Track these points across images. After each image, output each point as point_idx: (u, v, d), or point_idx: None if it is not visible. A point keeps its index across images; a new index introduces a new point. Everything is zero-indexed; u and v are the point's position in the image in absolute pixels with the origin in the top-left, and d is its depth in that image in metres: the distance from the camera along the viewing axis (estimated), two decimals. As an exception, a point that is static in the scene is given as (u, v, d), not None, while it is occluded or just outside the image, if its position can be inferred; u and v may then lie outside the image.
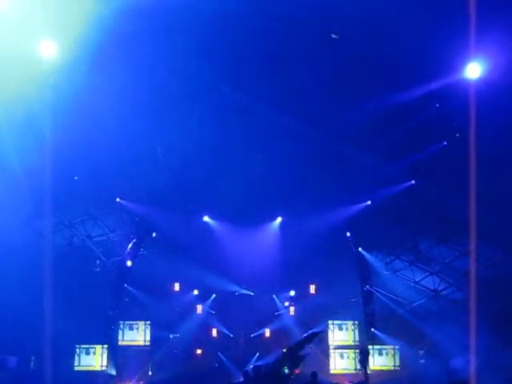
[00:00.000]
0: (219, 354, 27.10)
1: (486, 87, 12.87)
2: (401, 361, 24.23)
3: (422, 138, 16.65)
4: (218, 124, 16.35)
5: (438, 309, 24.70)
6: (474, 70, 13.22)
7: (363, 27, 12.80)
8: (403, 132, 16.11)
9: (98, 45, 11.44)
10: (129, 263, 23.38)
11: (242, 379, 15.57)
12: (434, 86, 14.01)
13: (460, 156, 13.77)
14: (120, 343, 24.85)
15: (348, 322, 25.55)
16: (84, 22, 11.02)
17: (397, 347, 24.34)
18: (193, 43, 12.63)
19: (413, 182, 18.63)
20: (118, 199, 20.68)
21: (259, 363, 20.65)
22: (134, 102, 15.10)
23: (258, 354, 26.76)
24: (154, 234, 23.84)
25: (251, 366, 22.13)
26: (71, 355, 23.51)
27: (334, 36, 12.50)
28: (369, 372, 23.80)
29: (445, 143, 16.58)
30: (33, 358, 21.42)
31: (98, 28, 11.08)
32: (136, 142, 17.38)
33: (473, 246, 15.56)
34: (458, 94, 13.55)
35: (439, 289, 24.07)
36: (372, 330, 24.41)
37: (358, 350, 23.61)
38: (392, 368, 23.99)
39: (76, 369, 23.42)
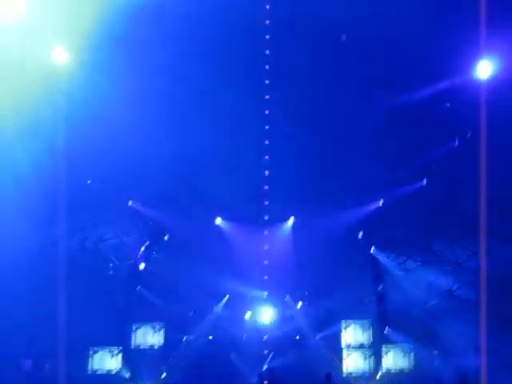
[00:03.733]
0: (232, 355, 27.13)
1: (497, 86, 12.80)
2: (415, 361, 24.13)
3: (433, 138, 16.60)
4: (228, 126, 16.38)
5: (452, 308, 24.57)
6: (484, 70, 13.15)
7: (373, 27, 12.80)
8: (415, 132, 16.06)
9: (109, 51, 11.51)
10: (142, 266, 23.47)
11: (256, 380, 15.61)
12: (445, 85, 13.96)
13: (471, 155, 13.70)
14: (133, 345, 24.94)
15: (361, 323, 25.49)
16: (95, 29, 11.08)
17: (411, 347, 24.25)
18: (201, 49, 12.70)
19: (424, 181, 18.54)
20: (130, 202, 20.75)
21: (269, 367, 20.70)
22: (144, 106, 15.18)
23: (271, 355, 26.77)
24: (166, 237, 23.89)
25: (264, 369, 22.22)
26: (85, 358, 23.64)
27: (343, 37, 12.49)
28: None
29: (456, 143, 16.50)
30: (47, 361, 21.51)
31: (108, 35, 11.14)
32: (146, 145, 17.47)
33: (483, 245, 15.55)
34: (468, 93, 13.48)
35: (453, 288, 23.95)
36: (385, 329, 24.34)
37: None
38: (406, 368, 23.90)
39: (90, 371, 23.55)
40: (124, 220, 22.71)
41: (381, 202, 20.63)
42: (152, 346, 25.03)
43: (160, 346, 25.04)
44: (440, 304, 24.99)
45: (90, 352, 23.76)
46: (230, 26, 12.18)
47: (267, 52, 13.32)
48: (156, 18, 11.05)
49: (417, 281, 24.94)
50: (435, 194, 18.43)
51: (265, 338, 27.24)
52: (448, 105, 14.89)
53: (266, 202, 21.64)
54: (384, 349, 24.35)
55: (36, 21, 11.42)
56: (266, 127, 16.33)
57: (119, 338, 24.11)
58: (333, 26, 12.98)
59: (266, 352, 27.01)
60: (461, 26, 11.86)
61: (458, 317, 23.65)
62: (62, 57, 12.38)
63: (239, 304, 26.97)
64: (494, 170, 12.00)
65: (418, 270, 24.33)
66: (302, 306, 27.52)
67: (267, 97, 15.14)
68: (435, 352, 25.09)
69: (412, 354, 24.21)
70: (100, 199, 19.62)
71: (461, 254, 21.70)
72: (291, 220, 22.76)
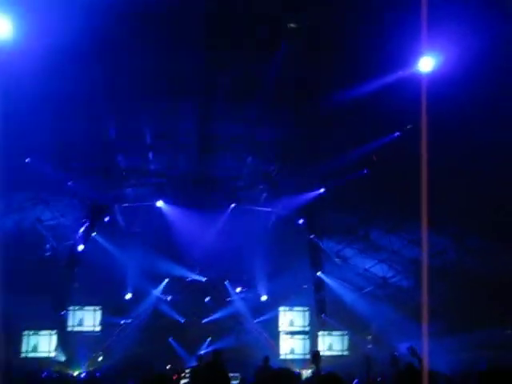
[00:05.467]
0: (170, 339, 27.16)
1: (438, 80, 13.18)
2: (349, 346, 24.85)
3: (375, 129, 16.96)
4: (170, 106, 16.31)
5: (386, 295, 25.40)
6: (426, 64, 13.49)
7: (317, 19, 12.92)
8: (358, 122, 16.37)
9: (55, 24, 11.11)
10: (80, 247, 23.08)
11: (195, 364, 15.68)
12: (388, 79, 14.26)
13: (411, 147, 14.09)
14: (70, 329, 24.60)
15: (299, 308, 26.01)
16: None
17: (346, 333, 24.96)
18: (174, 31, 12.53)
19: (365, 171, 18.94)
20: (69, 183, 20.30)
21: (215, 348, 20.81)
22: (86, 84, 14.85)
23: (209, 339, 26.95)
24: (106, 219, 23.57)
25: (202, 352, 22.34)
26: (19, 341, 23.19)
27: (291, 26, 12.57)
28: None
29: (397, 134, 16.91)
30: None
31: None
32: (89, 123, 17.14)
33: (424, 235, 16.06)
34: (410, 86, 13.80)
35: (387, 276, 24.72)
36: (322, 315, 24.93)
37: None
38: (341, 353, 24.60)
39: (24, 355, 23.12)
40: (62, 201, 22.22)
41: (322, 190, 20.92)
42: (89, 329, 24.80)
43: (97, 329, 24.84)
44: (374, 291, 25.78)
45: (25, 335, 23.35)
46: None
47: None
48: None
49: (353, 268, 25.63)
50: (375, 184, 18.87)
51: (203, 321, 27.46)
52: (391, 97, 15.24)
53: (206, 187, 21.62)
54: (320, 334, 24.96)
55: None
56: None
57: (55, 321, 23.73)
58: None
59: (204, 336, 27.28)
60: (403, 20, 12.13)
61: (391, 303, 24.48)
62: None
63: (178, 288, 27.01)
64: (433, 161, 12.42)
65: (355, 257, 24.98)
66: (240, 291, 27.82)
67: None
68: (369, 337, 25.94)
69: (347, 339, 24.92)
70: (38, 179, 19.11)
71: (396, 243, 22.35)
72: (232, 205, 22.84)
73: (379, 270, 24.79)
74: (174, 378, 18.45)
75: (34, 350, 23.47)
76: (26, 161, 18.00)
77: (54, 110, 15.33)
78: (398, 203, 18.97)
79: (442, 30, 11.75)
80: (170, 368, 21.88)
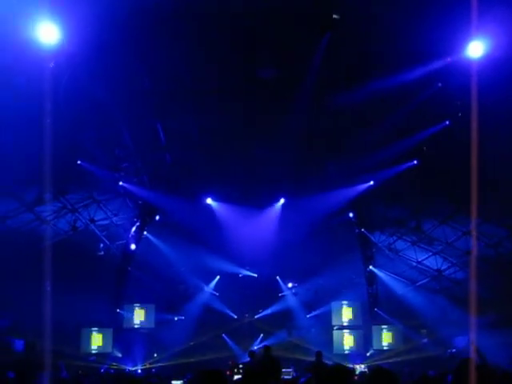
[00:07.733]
0: (223, 335, 27.34)
1: (489, 65, 12.77)
2: (404, 340, 24.43)
3: (424, 118, 16.56)
4: (219, 105, 16.32)
5: (441, 288, 24.83)
6: (476, 49, 13.09)
7: (365, 7, 12.72)
8: (406, 112, 16.02)
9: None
10: (133, 246, 23.48)
11: (247, 359, 15.71)
12: (437, 65, 13.90)
13: (463, 135, 13.69)
14: (125, 326, 25.08)
15: (351, 303, 25.74)
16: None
17: (400, 327, 24.54)
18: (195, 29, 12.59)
19: (415, 161, 18.54)
20: (120, 183, 20.63)
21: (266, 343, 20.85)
22: (134, 84, 15.08)
23: (262, 335, 27.01)
24: (157, 217, 23.87)
25: (255, 348, 22.39)
26: (77, 338, 23.77)
27: (335, 16, 12.41)
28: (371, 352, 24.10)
29: (447, 122, 16.47)
30: (38, 341, 21.56)
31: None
32: (138, 124, 17.41)
33: (474, 225, 15.54)
34: (460, 72, 13.44)
35: (442, 268, 24.14)
36: (375, 310, 24.61)
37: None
38: (395, 347, 24.21)
39: (81, 351, 23.70)
40: (115, 201, 22.61)
41: (371, 182, 20.58)
42: (143, 326, 25.22)
43: (151, 326, 25.23)
44: (429, 283, 25.25)
45: (82, 332, 23.91)
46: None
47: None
48: None
49: (406, 261, 25.15)
50: (425, 175, 18.45)
51: (255, 317, 27.52)
52: (440, 85, 14.86)
53: (257, 183, 21.57)
54: (373, 328, 24.65)
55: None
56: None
57: (111, 319, 24.25)
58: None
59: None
60: (452, 5, 11.79)
61: (447, 296, 23.93)
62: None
63: (230, 284, 27.14)
64: (485, 149, 12.01)
65: (407, 250, 24.50)
66: (292, 286, 27.76)
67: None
68: (423, 331, 25.44)
69: (401, 333, 24.52)
70: (90, 179, 19.51)
71: (451, 235, 21.79)
72: (281, 201, 22.74)
73: (433, 262, 24.22)
74: (228, 373, 18.58)
75: (92, 346, 24.04)
76: (78, 162, 18.35)
77: (102, 111, 15.61)
78: (450, 194, 18.48)
79: (492, 12, 11.35)
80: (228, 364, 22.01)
